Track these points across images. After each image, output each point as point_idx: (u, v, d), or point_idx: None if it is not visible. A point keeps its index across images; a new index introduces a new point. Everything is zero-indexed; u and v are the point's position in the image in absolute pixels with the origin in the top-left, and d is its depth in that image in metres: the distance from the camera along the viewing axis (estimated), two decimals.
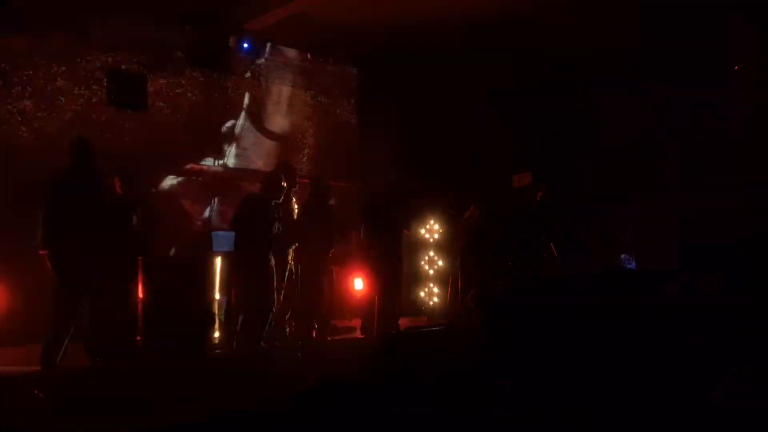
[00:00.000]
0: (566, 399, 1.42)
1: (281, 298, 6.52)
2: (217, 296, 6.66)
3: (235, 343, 6.15)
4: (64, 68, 7.19)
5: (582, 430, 1.37)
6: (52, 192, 5.04)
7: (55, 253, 4.96)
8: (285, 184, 6.38)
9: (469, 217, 8.26)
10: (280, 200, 6.38)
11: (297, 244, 6.63)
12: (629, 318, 1.56)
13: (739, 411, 1.48)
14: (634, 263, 8.75)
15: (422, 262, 8.81)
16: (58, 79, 7.16)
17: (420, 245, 8.82)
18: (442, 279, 8.76)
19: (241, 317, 6.27)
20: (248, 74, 8.64)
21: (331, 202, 7.17)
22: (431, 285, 8.70)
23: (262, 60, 8.55)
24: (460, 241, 8.33)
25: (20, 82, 6.92)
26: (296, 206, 6.83)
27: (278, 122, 9.01)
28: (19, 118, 6.93)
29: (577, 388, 1.42)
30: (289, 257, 6.62)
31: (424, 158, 8.88)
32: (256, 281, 6.19)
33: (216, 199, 8.28)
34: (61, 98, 7.18)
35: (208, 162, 8.30)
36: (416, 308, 8.69)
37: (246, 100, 8.64)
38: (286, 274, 6.56)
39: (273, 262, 6.34)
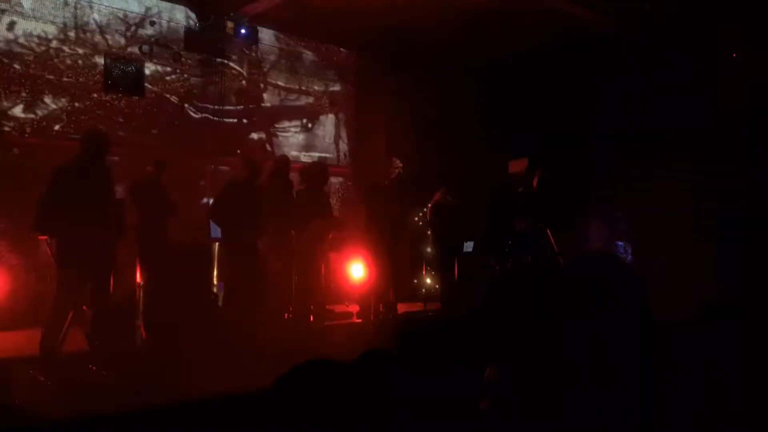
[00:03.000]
0: (556, 387, 1.45)
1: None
2: (215, 282, 6.71)
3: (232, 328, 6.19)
4: (61, 53, 7.17)
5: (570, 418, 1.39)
6: (59, 179, 5.05)
7: (57, 238, 4.99)
8: (259, 165, 6.41)
9: (436, 202, 8.21)
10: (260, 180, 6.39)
11: (294, 230, 6.66)
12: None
13: None
14: (630, 250, 8.80)
15: (419, 248, 8.83)
16: (55, 64, 7.14)
17: (417, 231, 8.85)
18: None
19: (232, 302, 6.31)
20: (245, 59, 8.61)
21: (327, 187, 7.19)
22: (428, 271, 8.73)
23: (260, 45, 8.52)
24: (431, 226, 8.32)
25: (16, 67, 6.91)
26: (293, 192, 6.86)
27: (276, 107, 9.00)
28: (17, 103, 6.93)
29: (570, 376, 1.44)
30: (288, 243, 6.65)
31: (423, 143, 8.88)
32: (244, 267, 6.22)
33: (213, 186, 8.28)
34: (59, 82, 7.17)
35: (206, 148, 8.29)
36: (413, 294, 8.74)
37: (243, 86, 8.62)
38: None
39: (259, 246, 6.35)
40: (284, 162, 7.01)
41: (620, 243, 8.70)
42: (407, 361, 1.20)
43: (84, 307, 5.46)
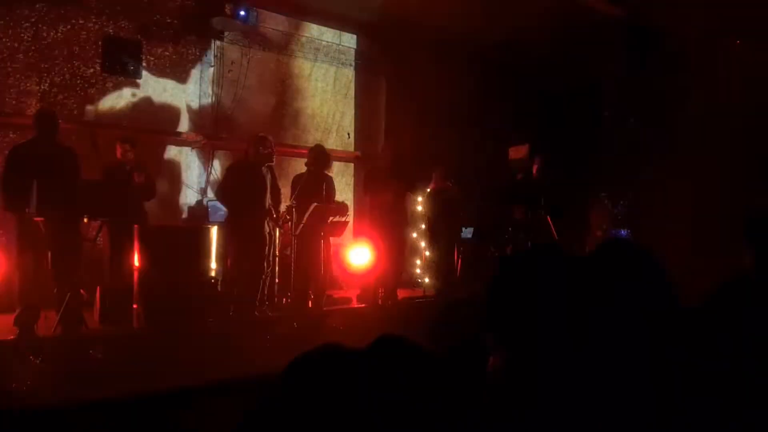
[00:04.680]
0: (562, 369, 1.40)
1: (276, 267, 6.53)
2: (214, 265, 6.67)
3: (231, 312, 6.17)
4: (58, 35, 7.06)
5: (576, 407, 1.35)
6: (14, 157, 5.04)
7: (16, 219, 5.00)
8: (267, 145, 6.34)
9: (434, 188, 8.12)
10: (273, 163, 6.34)
11: (294, 213, 6.62)
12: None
13: None
14: (630, 238, 8.77)
15: (419, 234, 8.80)
16: (52, 46, 7.03)
17: (417, 216, 8.80)
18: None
19: (236, 286, 6.29)
20: (244, 41, 8.50)
21: (329, 171, 7.13)
22: (428, 256, 8.70)
23: (258, 27, 8.40)
24: (427, 212, 8.25)
25: (13, 47, 6.80)
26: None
27: (274, 90, 8.91)
28: (11, 85, 6.83)
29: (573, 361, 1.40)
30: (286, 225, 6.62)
31: (423, 128, 8.81)
32: (249, 249, 6.19)
33: (211, 169, 8.22)
34: (58, 65, 7.07)
35: (204, 130, 8.21)
36: (413, 280, 8.71)
37: (242, 68, 8.51)
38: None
39: (268, 229, 6.33)
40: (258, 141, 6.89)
41: (621, 231, 8.67)
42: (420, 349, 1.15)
43: (81, 291, 5.45)
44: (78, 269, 5.37)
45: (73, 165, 5.24)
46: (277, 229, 6.62)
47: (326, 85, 9.40)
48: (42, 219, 4.95)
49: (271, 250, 6.53)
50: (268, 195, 6.43)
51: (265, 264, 6.36)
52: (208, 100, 8.24)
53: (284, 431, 0.91)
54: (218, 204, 6.97)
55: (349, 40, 9.45)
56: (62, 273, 5.19)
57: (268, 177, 6.46)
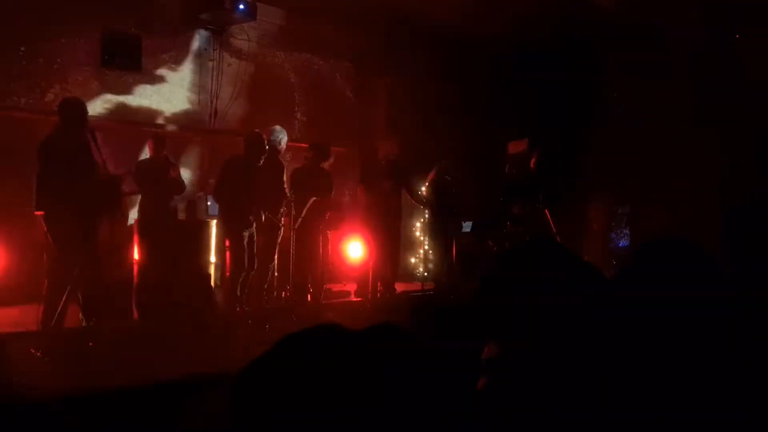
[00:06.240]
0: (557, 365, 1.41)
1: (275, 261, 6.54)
2: (213, 259, 6.68)
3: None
4: (57, 28, 7.05)
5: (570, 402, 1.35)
6: (45, 153, 4.98)
7: (49, 212, 4.95)
8: (267, 147, 6.34)
9: (433, 181, 8.12)
10: (261, 163, 6.31)
11: (292, 207, 6.62)
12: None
13: None
14: (628, 234, 8.78)
15: (416, 227, 8.81)
16: (52, 40, 7.02)
17: (415, 210, 8.82)
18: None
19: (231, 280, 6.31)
20: (244, 36, 8.50)
21: (327, 166, 7.14)
22: (425, 250, 8.71)
23: (259, 21, 8.40)
24: (428, 205, 8.24)
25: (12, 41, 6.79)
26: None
27: (274, 85, 8.90)
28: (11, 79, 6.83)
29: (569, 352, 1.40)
30: (282, 220, 6.62)
31: (423, 122, 8.81)
32: (238, 243, 6.20)
33: (210, 163, 8.22)
34: (58, 59, 7.06)
35: (203, 125, 8.21)
36: (410, 273, 8.73)
37: (241, 62, 8.51)
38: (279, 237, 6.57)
39: (254, 226, 6.29)
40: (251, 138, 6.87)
41: (622, 227, 8.68)
42: (416, 336, 1.15)
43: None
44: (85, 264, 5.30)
45: (91, 158, 5.05)
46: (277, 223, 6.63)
47: (326, 80, 9.40)
48: (43, 213, 4.93)
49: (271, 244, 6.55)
50: (265, 190, 6.41)
51: (265, 258, 6.37)
52: (207, 95, 8.24)
53: (272, 401, 0.92)
54: None
55: (350, 35, 9.44)
56: (92, 268, 5.12)
57: (271, 171, 6.45)
